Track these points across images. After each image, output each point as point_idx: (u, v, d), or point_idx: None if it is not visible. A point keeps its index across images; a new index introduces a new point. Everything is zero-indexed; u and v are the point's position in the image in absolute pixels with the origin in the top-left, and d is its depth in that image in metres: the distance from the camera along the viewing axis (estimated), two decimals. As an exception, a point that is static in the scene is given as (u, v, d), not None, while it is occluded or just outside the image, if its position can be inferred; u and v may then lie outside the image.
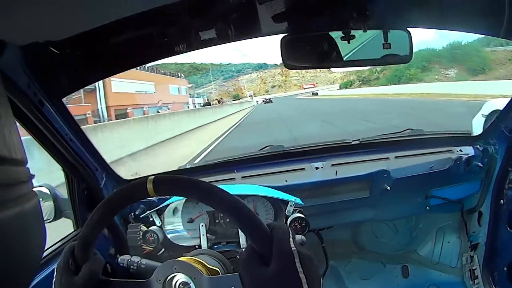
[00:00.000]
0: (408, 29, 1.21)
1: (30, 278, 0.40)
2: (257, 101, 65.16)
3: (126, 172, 1.72)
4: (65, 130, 1.19)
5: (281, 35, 1.14)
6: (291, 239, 0.74)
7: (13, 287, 0.35)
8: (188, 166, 1.92)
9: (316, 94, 69.60)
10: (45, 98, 1.07)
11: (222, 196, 0.78)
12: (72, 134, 1.23)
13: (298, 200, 1.44)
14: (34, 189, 0.41)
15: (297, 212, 1.41)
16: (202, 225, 1.38)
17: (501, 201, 1.75)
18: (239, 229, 1.31)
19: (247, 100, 75.37)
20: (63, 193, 1.40)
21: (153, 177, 0.79)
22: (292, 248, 0.72)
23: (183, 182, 0.81)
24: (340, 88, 78.05)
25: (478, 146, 1.84)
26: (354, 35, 1.14)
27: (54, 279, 0.84)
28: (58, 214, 1.35)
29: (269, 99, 62.79)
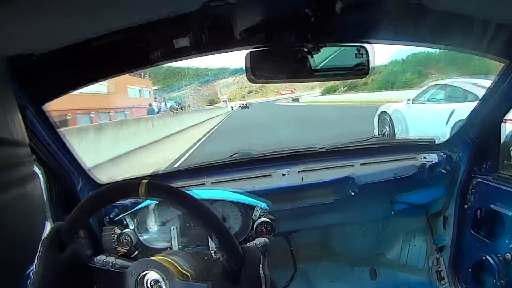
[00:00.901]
0: (370, 43, 1.31)
1: (31, 258, 0.47)
2: (232, 107, 61.68)
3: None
4: (45, 135, 1.28)
5: (247, 50, 1.24)
6: (260, 266, 0.87)
7: (14, 268, 0.39)
8: (161, 172, 1.99)
9: (298, 100, 65.57)
10: (27, 104, 1.16)
11: (207, 214, 0.90)
12: (51, 139, 1.31)
13: (264, 205, 1.55)
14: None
15: (264, 216, 1.52)
16: (174, 228, 1.48)
17: (465, 205, 1.88)
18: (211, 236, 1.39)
19: (221, 106, 70.47)
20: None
21: (147, 180, 0.90)
22: (261, 274, 0.85)
23: (176, 193, 0.92)
24: (323, 94, 73.60)
25: (442, 153, 1.98)
26: (319, 48, 1.22)
27: (38, 254, 0.90)
28: None
29: (246, 104, 60.81)
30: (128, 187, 0.94)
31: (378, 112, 8.65)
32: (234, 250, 0.87)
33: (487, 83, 5.11)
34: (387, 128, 8.20)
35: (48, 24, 0.83)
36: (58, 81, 1.25)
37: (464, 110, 5.26)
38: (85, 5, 0.79)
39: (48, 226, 1.42)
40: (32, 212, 0.41)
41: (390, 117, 8.19)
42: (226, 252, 0.88)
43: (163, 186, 0.93)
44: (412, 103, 7.81)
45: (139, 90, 35.82)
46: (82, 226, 0.98)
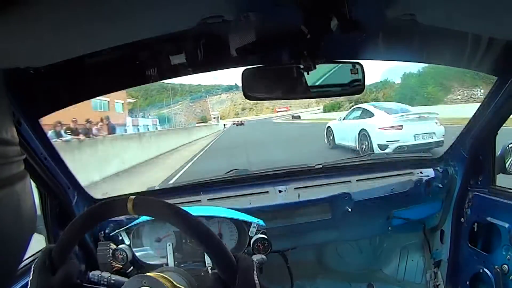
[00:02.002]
0: (361, 61, 1.38)
1: (18, 260, 0.44)
2: (224, 125, 59.74)
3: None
4: (40, 149, 1.31)
5: (243, 68, 1.31)
6: (254, 272, 0.91)
7: (2, 269, 0.39)
8: (156, 188, 2.02)
9: (298, 117, 61.63)
10: (23, 118, 1.18)
11: (196, 225, 0.92)
12: (46, 153, 1.34)
13: (261, 222, 1.59)
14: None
15: (260, 233, 1.55)
16: (169, 245, 1.51)
17: (462, 219, 1.92)
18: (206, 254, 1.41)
19: (212, 123, 66.72)
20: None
21: (134, 197, 0.92)
22: (255, 281, 0.89)
23: (162, 206, 0.94)
24: (325, 111, 69.89)
25: (438, 168, 2.04)
26: (315, 66, 1.26)
27: (30, 278, 0.92)
28: None
29: (241, 121, 59.30)
30: (115, 205, 0.95)
31: (326, 127, 12.99)
32: (226, 259, 0.89)
33: (385, 103, 8.85)
34: (331, 137, 12.39)
35: (45, 39, 0.86)
36: (54, 96, 1.30)
37: (364, 123, 10.06)
38: (82, 22, 0.82)
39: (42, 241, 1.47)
40: (21, 212, 0.41)
41: (332, 130, 12.39)
42: (218, 261, 0.90)
43: (149, 201, 0.95)
44: (343, 120, 11.95)
45: (107, 102, 32.22)
46: (73, 247, 1.01)
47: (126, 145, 13.79)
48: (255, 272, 0.90)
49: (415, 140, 8.94)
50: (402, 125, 9.14)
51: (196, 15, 0.95)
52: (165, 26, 1.02)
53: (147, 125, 42.84)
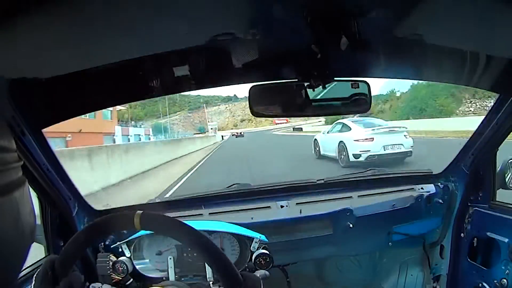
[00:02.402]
0: (367, 79, 1.40)
1: (19, 268, 0.43)
2: (222, 136, 57.59)
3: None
4: (43, 159, 1.32)
5: (250, 84, 1.32)
6: None
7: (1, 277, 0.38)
8: (157, 201, 2.02)
9: (300, 129, 58.42)
10: (26, 128, 1.19)
11: (205, 244, 0.93)
12: (49, 163, 1.35)
13: (263, 237, 1.58)
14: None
15: (262, 248, 1.55)
16: (170, 258, 1.51)
17: (462, 234, 1.95)
18: (206, 264, 1.41)
19: (209, 134, 63.76)
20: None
21: (141, 212, 0.93)
22: None
23: (170, 223, 0.95)
24: (327, 123, 65.27)
25: (439, 183, 2.07)
26: (324, 85, 1.29)
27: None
28: None
29: (241, 132, 58.65)
30: (122, 220, 0.96)
31: (313, 139, 14.69)
32: (233, 278, 0.90)
33: (362, 118, 13.13)
34: (317, 148, 13.97)
35: (51, 50, 0.88)
36: (58, 107, 1.31)
37: (342, 136, 11.75)
38: (92, 35, 0.85)
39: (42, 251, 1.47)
40: (20, 219, 0.41)
41: (318, 142, 13.99)
42: (226, 280, 0.91)
43: (157, 217, 0.96)
44: (327, 133, 13.55)
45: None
46: (77, 258, 1.01)
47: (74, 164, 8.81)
48: None
49: (385, 150, 10.62)
50: (373, 138, 10.80)
51: (208, 32, 0.97)
52: (175, 42, 1.04)
53: (139, 134, 41.12)
